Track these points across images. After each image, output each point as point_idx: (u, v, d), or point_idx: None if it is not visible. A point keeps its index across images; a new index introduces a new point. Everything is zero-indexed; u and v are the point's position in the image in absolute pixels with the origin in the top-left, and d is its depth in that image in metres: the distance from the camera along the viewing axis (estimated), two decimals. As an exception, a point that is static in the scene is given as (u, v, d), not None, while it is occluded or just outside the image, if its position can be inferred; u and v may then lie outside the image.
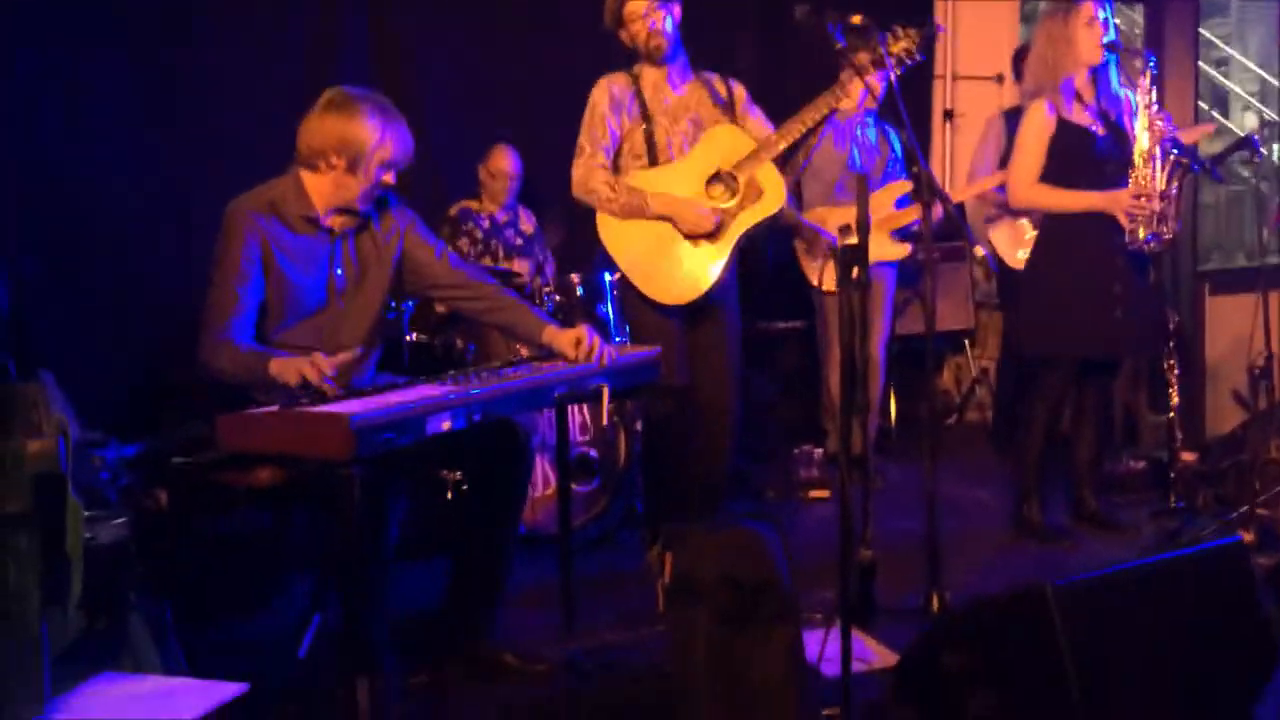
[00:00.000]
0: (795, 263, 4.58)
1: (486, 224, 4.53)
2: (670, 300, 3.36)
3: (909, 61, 3.16)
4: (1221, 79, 10.37)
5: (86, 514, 1.91)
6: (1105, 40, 3.46)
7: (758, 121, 3.51)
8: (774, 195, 3.36)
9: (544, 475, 3.73)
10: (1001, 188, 3.92)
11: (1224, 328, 5.88)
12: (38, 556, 1.69)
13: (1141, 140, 3.48)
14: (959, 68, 5.75)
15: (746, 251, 3.54)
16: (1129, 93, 3.60)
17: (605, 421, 3.12)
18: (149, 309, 3.76)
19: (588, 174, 3.37)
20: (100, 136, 3.78)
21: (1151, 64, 3.47)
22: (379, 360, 2.88)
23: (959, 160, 5.60)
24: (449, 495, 2.83)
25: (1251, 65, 10.45)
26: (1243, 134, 10.25)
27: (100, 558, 1.93)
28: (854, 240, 2.55)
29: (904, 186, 4.37)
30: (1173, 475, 4.03)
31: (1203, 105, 7.51)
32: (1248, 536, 3.47)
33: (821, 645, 2.51)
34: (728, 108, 3.49)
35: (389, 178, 2.65)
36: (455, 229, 4.47)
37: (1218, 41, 9.84)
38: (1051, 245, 3.67)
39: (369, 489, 2.21)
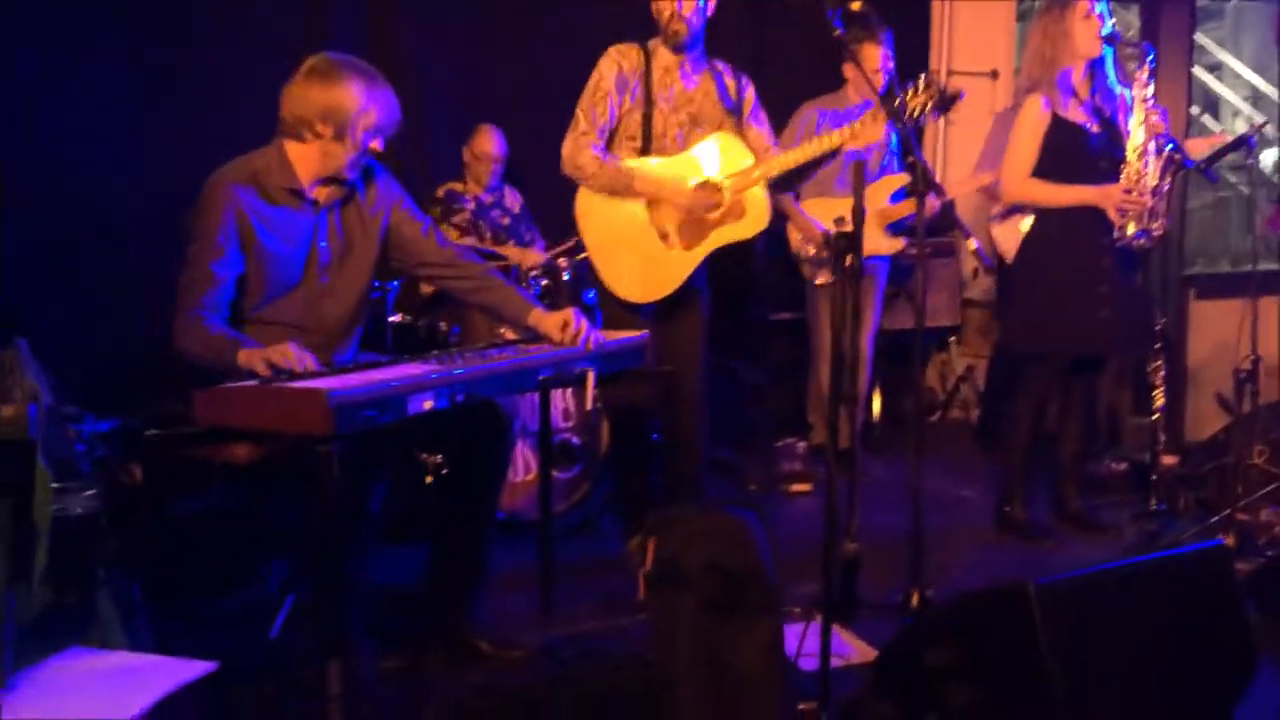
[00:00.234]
0: (788, 253, 4.55)
1: (472, 205, 4.48)
2: (624, 295, 3.34)
3: (920, 118, 3.10)
4: (1214, 84, 10.40)
5: (57, 485, 1.87)
6: (1103, 33, 3.44)
7: (761, 132, 3.47)
8: (756, 219, 3.33)
9: (525, 461, 3.70)
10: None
11: (1207, 332, 5.89)
12: (5, 526, 1.65)
13: (1136, 135, 3.46)
14: (954, 63, 5.72)
15: (739, 242, 3.50)
16: (1125, 89, 3.58)
17: (589, 406, 3.09)
18: (141, 292, 3.72)
19: (577, 149, 3.32)
20: (97, 133, 3.77)
21: (1150, 57, 3.45)
22: (361, 339, 2.84)
23: (953, 155, 5.58)
24: (428, 478, 2.80)
25: (1244, 71, 10.49)
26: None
27: (70, 530, 1.88)
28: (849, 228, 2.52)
29: (900, 180, 4.34)
30: (1154, 478, 4.02)
31: (1194, 110, 7.52)
32: (1228, 541, 3.47)
33: (801, 639, 2.48)
34: (734, 110, 3.44)
35: (377, 144, 2.60)
36: (445, 210, 4.42)
37: (1211, 46, 9.86)
38: (1041, 243, 3.66)
39: (348, 467, 2.17)
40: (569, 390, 3.74)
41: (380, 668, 2.67)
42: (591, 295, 4.02)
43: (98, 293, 3.73)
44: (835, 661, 2.51)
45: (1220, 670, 2.37)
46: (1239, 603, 2.44)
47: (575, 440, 3.79)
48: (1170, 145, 3.45)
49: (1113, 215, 3.48)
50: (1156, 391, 4.03)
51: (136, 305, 3.66)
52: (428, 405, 2.18)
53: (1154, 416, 4.08)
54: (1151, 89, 3.45)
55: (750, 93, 3.49)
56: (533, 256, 4.29)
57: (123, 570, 2.09)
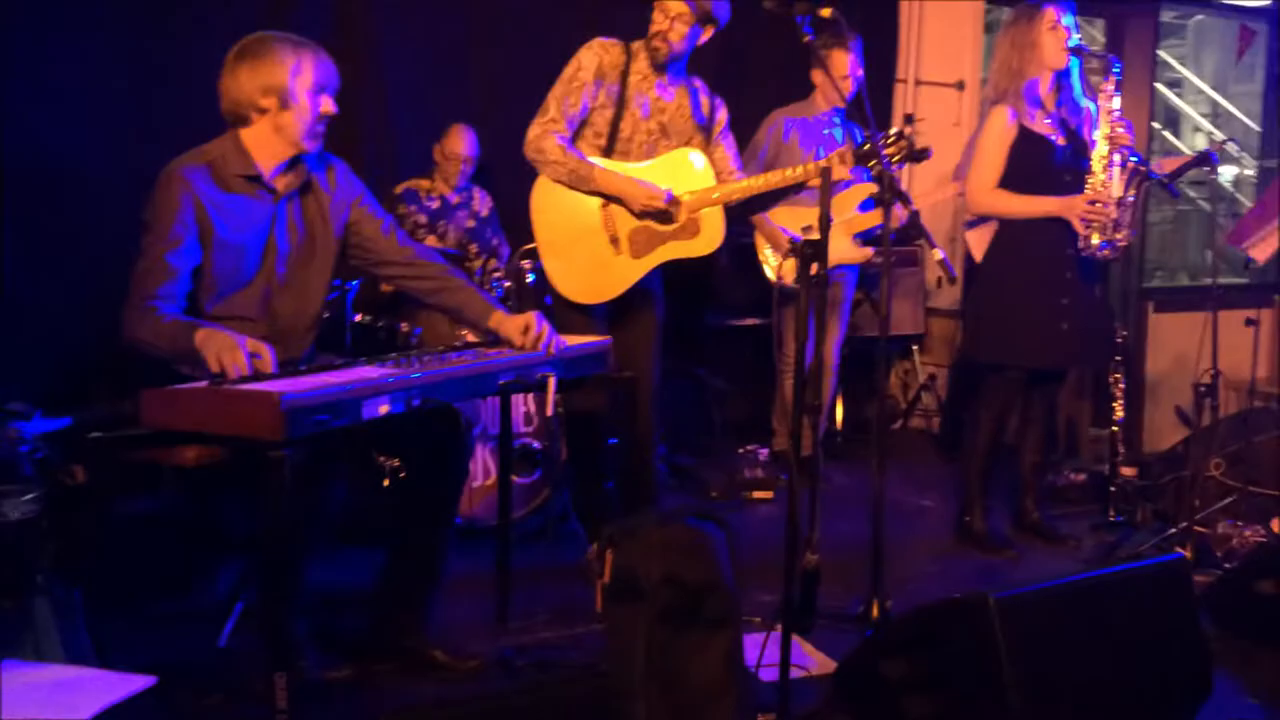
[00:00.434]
0: (752, 260, 4.53)
1: (436, 204, 4.42)
2: (565, 292, 3.32)
3: (889, 165, 3.10)
4: (1175, 99, 10.54)
5: (-5, 488, 1.80)
6: (1070, 45, 3.45)
7: (728, 155, 3.46)
8: (709, 239, 3.32)
9: (484, 465, 3.65)
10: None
11: (1165, 345, 5.95)
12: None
13: (1101, 146, 3.47)
14: (921, 73, 5.74)
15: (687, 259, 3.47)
16: (1090, 102, 3.60)
17: (550, 413, 3.06)
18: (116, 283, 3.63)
19: (543, 135, 3.29)
20: (77, 121, 3.69)
21: (1116, 70, 3.46)
22: (319, 339, 2.78)
23: (918, 166, 5.58)
24: (385, 481, 2.75)
25: (1205, 87, 10.64)
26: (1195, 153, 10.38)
27: (7, 534, 1.81)
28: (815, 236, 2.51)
29: (868, 189, 4.34)
30: (1113, 489, 4.04)
31: (1155, 125, 7.60)
32: (1186, 553, 3.48)
33: (761, 650, 2.46)
34: (704, 128, 3.43)
35: (327, 105, 2.54)
36: (401, 206, 4.36)
37: (1173, 62, 9.99)
38: (1004, 254, 3.66)
39: (299, 473, 2.11)
40: (530, 394, 3.70)
41: (330, 677, 2.61)
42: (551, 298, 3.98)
43: (78, 286, 3.63)
44: (795, 673, 2.49)
45: (1177, 684, 2.38)
46: (1196, 617, 2.45)
47: (536, 445, 3.75)
48: (1135, 158, 3.47)
49: (1077, 226, 3.49)
50: (1116, 404, 4.05)
51: (112, 297, 3.60)
52: (383, 410, 2.13)
53: (1113, 428, 4.10)
54: (1117, 101, 3.46)
55: (722, 114, 3.50)
56: (494, 262, 4.24)
57: (63, 576, 2.02)
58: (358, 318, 3.87)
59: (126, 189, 3.69)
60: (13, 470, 2.11)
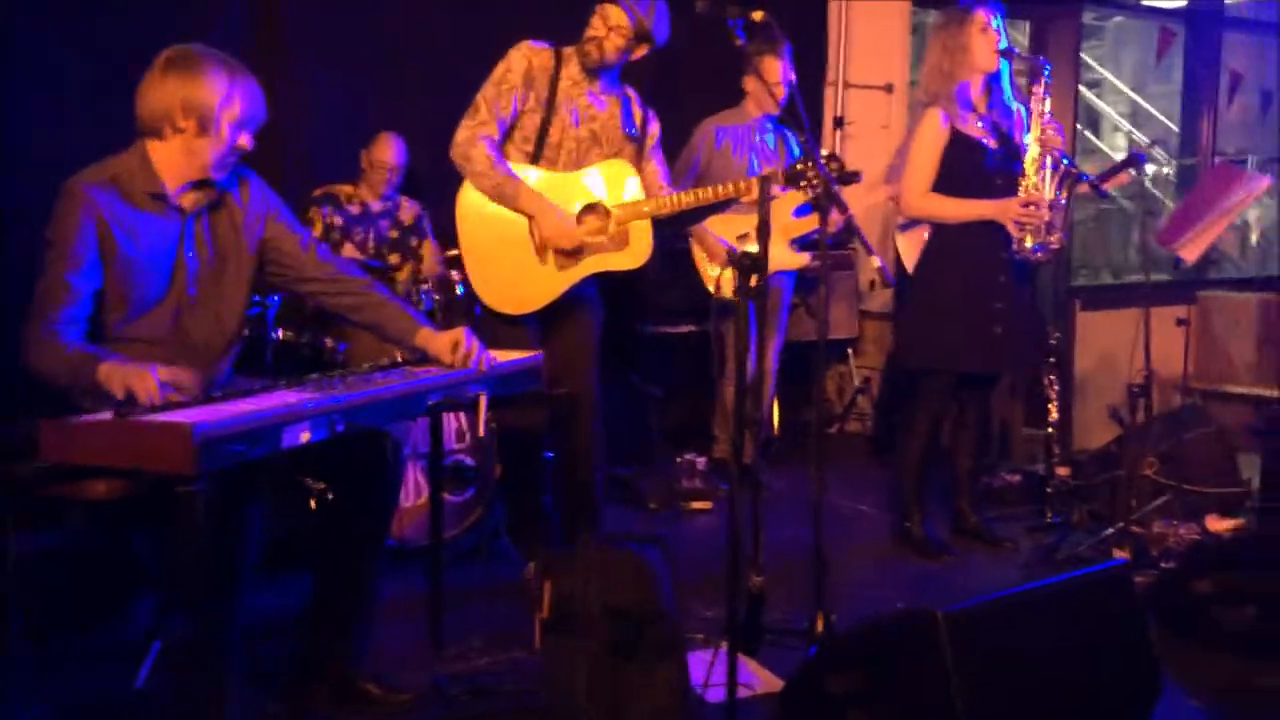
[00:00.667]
0: (687, 267, 4.47)
1: (356, 210, 4.28)
2: (489, 301, 3.26)
3: (818, 187, 3.07)
4: (1095, 100, 10.75)
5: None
6: (1000, 47, 3.45)
7: (658, 170, 3.41)
8: (638, 252, 3.28)
9: (415, 484, 3.53)
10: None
11: (1093, 344, 6.02)
12: None
13: (1033, 149, 3.48)
14: (850, 76, 5.74)
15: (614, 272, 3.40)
16: (1020, 105, 3.60)
17: (483, 433, 2.97)
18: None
19: (471, 139, 3.21)
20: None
21: (1046, 72, 3.47)
22: (240, 358, 2.65)
23: (849, 167, 5.57)
24: (312, 503, 2.63)
25: (1124, 88, 10.86)
26: (1119, 155, 10.61)
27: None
28: (753, 247, 2.48)
29: (803, 195, 4.30)
30: (1049, 490, 4.06)
31: (1077, 126, 7.71)
32: (1122, 553, 3.50)
33: (707, 671, 2.39)
34: (635, 139, 3.37)
35: (244, 140, 2.43)
36: (313, 210, 4.22)
37: (1092, 63, 10.18)
38: (937, 257, 3.65)
39: (215, 505, 2.00)
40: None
41: (257, 713, 2.48)
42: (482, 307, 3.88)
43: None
44: (742, 692, 2.43)
45: (1128, 691, 2.37)
46: (1143, 623, 2.45)
47: (468, 461, 3.64)
48: (1066, 160, 3.48)
49: (1011, 229, 3.49)
50: (1050, 405, 4.07)
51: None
52: (304, 437, 2.02)
53: (1048, 430, 4.11)
54: (1048, 104, 3.47)
55: (655, 127, 3.44)
56: (427, 266, 4.11)
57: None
58: (280, 335, 3.72)
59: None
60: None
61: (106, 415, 1.94)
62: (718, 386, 4.52)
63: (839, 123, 5.63)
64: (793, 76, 4.23)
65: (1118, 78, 10.70)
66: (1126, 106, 10.81)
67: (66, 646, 2.75)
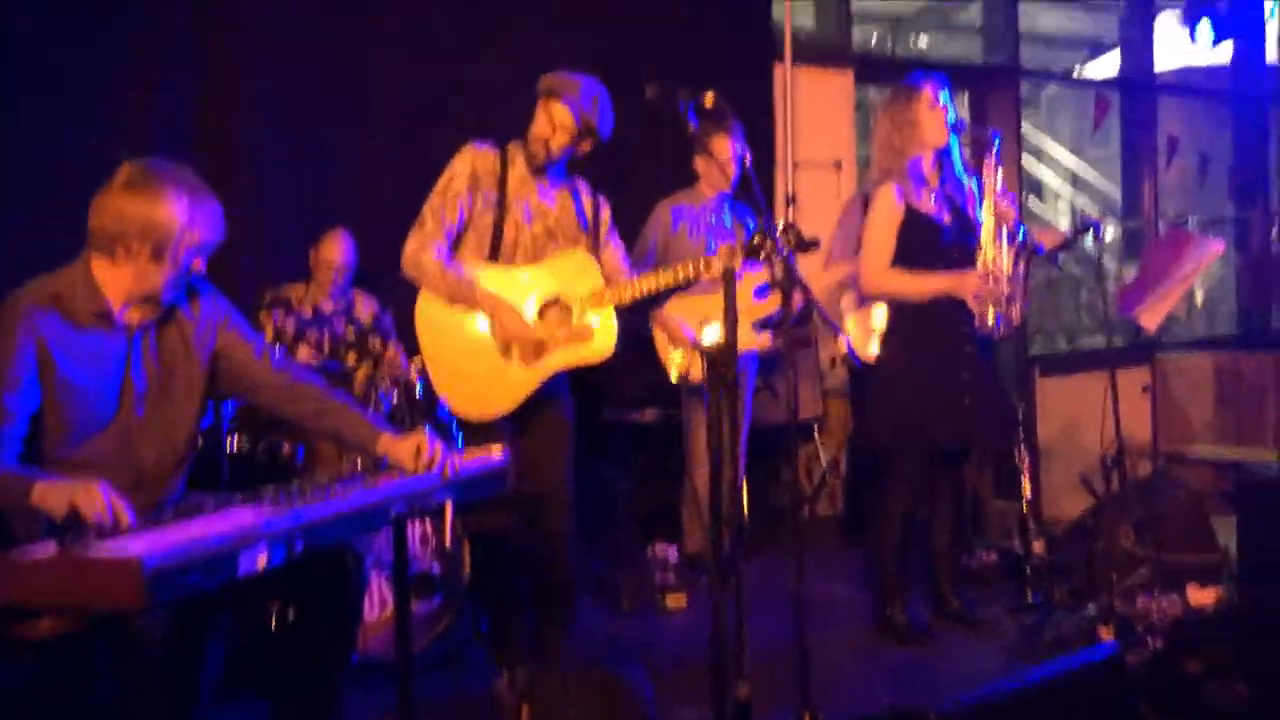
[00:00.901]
0: (649, 352, 4.41)
1: (308, 313, 4.19)
2: (457, 410, 3.20)
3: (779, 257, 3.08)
4: (1035, 167, 10.98)
5: None
6: (949, 121, 3.47)
7: (615, 253, 3.39)
8: (602, 344, 3.23)
9: (381, 595, 3.39)
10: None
11: (1055, 410, 6.03)
12: None
13: (988, 222, 3.48)
14: (798, 154, 5.78)
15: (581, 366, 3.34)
16: (971, 178, 3.61)
17: (450, 543, 2.85)
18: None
19: (420, 249, 3.17)
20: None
21: (996, 144, 3.49)
22: (194, 470, 2.53)
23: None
24: (273, 625, 2.50)
25: (1063, 155, 11.11)
26: (1061, 220, 10.79)
27: None
28: (715, 332, 2.43)
29: (762, 276, 4.27)
30: (1029, 570, 3.99)
31: (1022, 195, 7.85)
32: (1107, 632, 3.43)
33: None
34: (589, 229, 3.35)
35: (199, 264, 2.35)
36: (263, 314, 4.12)
37: (1031, 132, 10.42)
38: (901, 334, 3.62)
39: (169, 640, 1.87)
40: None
41: None
42: (445, 410, 3.79)
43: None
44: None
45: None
46: (1138, 709, 2.37)
47: (435, 568, 3.51)
48: (1021, 232, 3.48)
49: (971, 304, 3.47)
50: (1023, 478, 4.02)
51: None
52: (261, 562, 1.91)
53: (1021, 504, 4.06)
54: (1000, 176, 3.48)
55: (606, 213, 3.43)
56: (386, 364, 4.01)
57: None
58: (235, 444, 3.60)
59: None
60: None
61: (49, 549, 1.81)
62: (687, 475, 4.43)
63: (791, 200, 5.66)
64: (746, 153, 4.24)
65: (1056, 145, 10.96)
66: (1066, 173, 11.06)
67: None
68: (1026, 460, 4.06)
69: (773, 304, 4.29)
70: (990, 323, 3.48)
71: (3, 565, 1.80)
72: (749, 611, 3.36)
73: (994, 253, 3.46)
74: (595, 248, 3.33)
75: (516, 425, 3.23)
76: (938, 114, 3.48)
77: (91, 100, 3.89)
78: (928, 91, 3.48)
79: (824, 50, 6.12)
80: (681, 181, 4.49)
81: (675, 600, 4.15)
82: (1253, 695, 2.73)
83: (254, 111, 4.24)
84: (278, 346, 4.00)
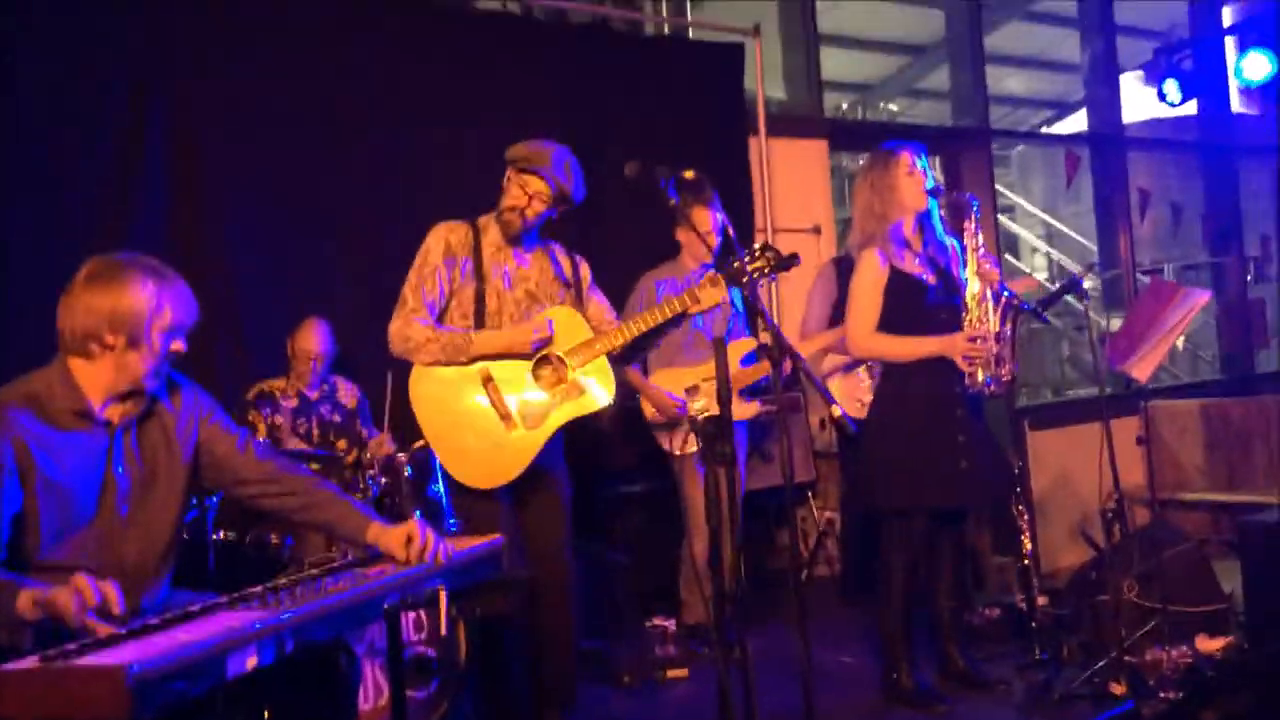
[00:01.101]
0: (638, 424, 4.38)
1: (293, 402, 4.15)
2: (471, 482, 3.15)
3: (758, 279, 3.12)
4: (1011, 225, 11.10)
5: None
6: (926, 187, 3.49)
7: (601, 306, 3.41)
8: (602, 393, 3.22)
9: (375, 684, 3.30)
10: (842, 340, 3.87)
11: (1046, 462, 6.01)
12: None
13: (972, 284, 3.48)
14: (777, 221, 5.83)
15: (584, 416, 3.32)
16: (953, 239, 3.62)
17: (444, 630, 2.79)
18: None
19: (405, 324, 3.17)
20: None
21: (974, 207, 3.50)
22: (180, 566, 2.47)
23: (785, 312, 5.62)
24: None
25: (1036, 211, 11.25)
26: (1039, 275, 10.88)
27: None
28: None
29: (749, 344, 4.29)
30: (1034, 625, 3.92)
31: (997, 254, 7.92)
32: (1118, 687, 3.37)
33: None
34: (569, 285, 3.36)
35: (178, 345, 2.32)
36: (252, 413, 4.07)
37: (1004, 190, 10.56)
38: (893, 396, 3.60)
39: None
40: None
41: None
42: (434, 490, 3.75)
43: None
44: None
45: None
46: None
47: (430, 653, 3.42)
48: (1006, 292, 3.48)
49: (961, 365, 3.46)
50: (1023, 535, 3.97)
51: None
52: (251, 664, 1.84)
53: (1024, 561, 4.01)
54: (981, 238, 3.50)
55: (586, 270, 3.45)
56: (372, 452, 3.96)
57: None
58: (220, 536, 3.53)
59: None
60: None
61: (30, 662, 1.75)
62: (683, 546, 4.37)
63: (773, 267, 5.66)
64: (726, 222, 4.26)
65: (1029, 203, 11.10)
66: (1041, 229, 11.19)
67: None
68: (1025, 516, 4.01)
69: (759, 371, 4.30)
70: (980, 382, 3.46)
71: (-19, 678, 1.73)
72: (757, 683, 3.31)
73: (980, 313, 3.46)
74: (579, 304, 3.34)
75: (514, 501, 3.18)
76: (916, 179, 3.50)
77: (66, 201, 3.88)
78: (905, 157, 3.51)
79: (797, 119, 6.20)
80: (662, 252, 4.50)
81: (676, 673, 4.06)
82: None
83: (225, 208, 4.24)
84: (267, 441, 3.94)
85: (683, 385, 4.23)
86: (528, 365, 3.19)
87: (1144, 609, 3.71)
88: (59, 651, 1.77)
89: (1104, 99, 7.62)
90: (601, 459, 4.81)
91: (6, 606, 1.96)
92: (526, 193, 3.21)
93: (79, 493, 2.25)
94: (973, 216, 3.50)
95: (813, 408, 5.65)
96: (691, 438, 4.18)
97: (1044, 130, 11.21)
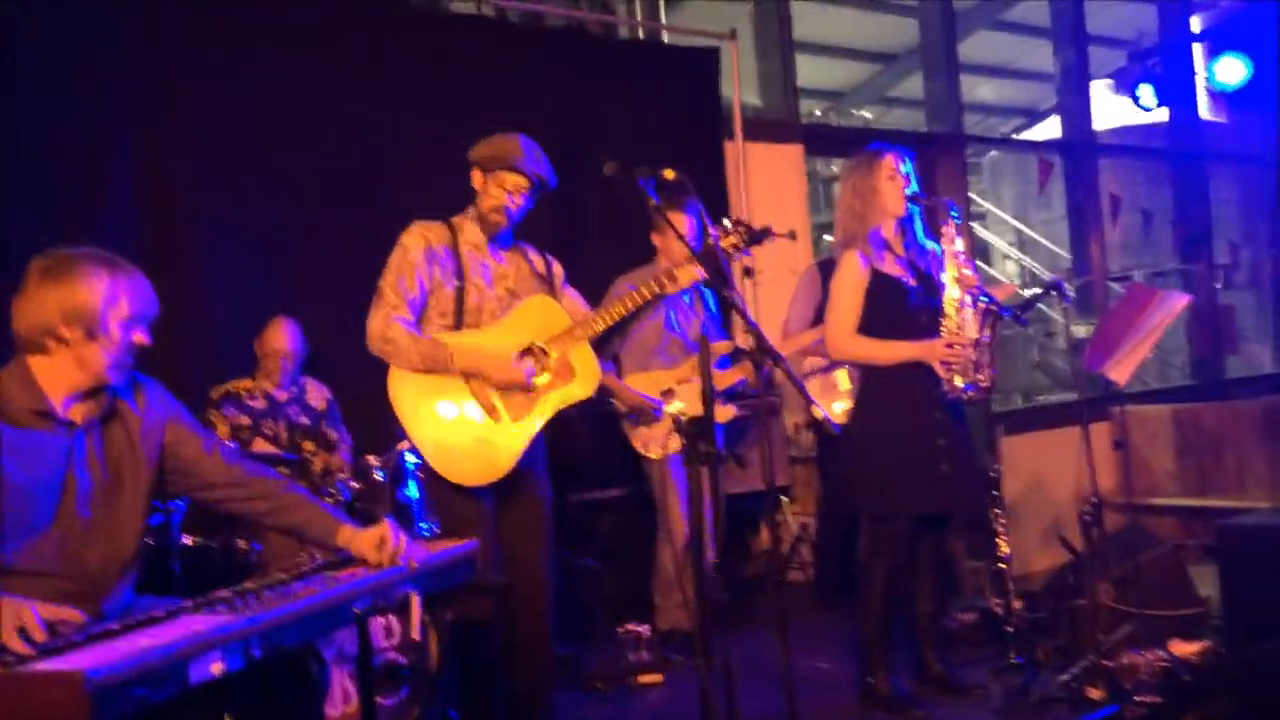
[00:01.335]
0: (610, 428, 4.33)
1: (260, 404, 4.07)
2: (461, 480, 3.07)
3: (734, 255, 3.09)
4: (982, 231, 11.16)
5: None
6: (908, 191, 3.47)
7: (575, 301, 3.37)
8: (587, 379, 3.17)
9: (344, 691, 3.23)
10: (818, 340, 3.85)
11: (1019, 468, 6.01)
12: None
13: (951, 289, 3.46)
14: (753, 225, 5.78)
15: (559, 416, 3.28)
16: (933, 243, 3.61)
17: (417, 635, 2.72)
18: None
19: (386, 324, 3.08)
20: None
21: (954, 213, 3.49)
22: (145, 571, 2.40)
23: (763, 317, 5.59)
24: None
25: (1008, 218, 11.32)
26: (1012, 281, 10.93)
27: None
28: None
29: (724, 347, 4.26)
30: (1011, 630, 3.90)
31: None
32: (1096, 692, 3.36)
33: None
34: (545, 281, 3.32)
35: (140, 337, 2.25)
36: (214, 413, 4.00)
37: (976, 198, 10.62)
38: (873, 400, 3.57)
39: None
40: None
41: None
42: (407, 495, 3.68)
43: None
44: None
45: None
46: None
47: (400, 660, 3.36)
48: (985, 297, 3.46)
49: (939, 370, 3.43)
50: (1000, 539, 3.96)
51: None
52: (216, 669, 1.78)
53: (1000, 565, 3.99)
54: (960, 243, 3.48)
55: (558, 268, 3.42)
56: (336, 460, 3.91)
57: None
58: (187, 541, 3.45)
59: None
60: None
61: (-16, 669, 1.68)
62: (657, 550, 4.32)
63: (749, 273, 5.63)
64: (708, 224, 4.23)
65: (1000, 209, 11.18)
66: (1012, 235, 11.26)
67: None
68: (1002, 520, 3.99)
69: (736, 375, 4.28)
70: (959, 388, 3.44)
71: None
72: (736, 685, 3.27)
73: (958, 319, 3.44)
74: (554, 297, 3.30)
75: (497, 504, 3.13)
76: (898, 183, 3.48)
77: (32, 197, 3.80)
78: (888, 161, 3.49)
79: (773, 124, 6.19)
80: (641, 260, 4.45)
81: (650, 679, 4.01)
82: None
83: (194, 205, 4.17)
84: (233, 443, 3.87)
85: (658, 388, 4.20)
86: (512, 359, 3.13)
87: (1120, 613, 3.70)
88: (15, 657, 1.70)
89: (1076, 106, 7.67)
90: (575, 463, 4.75)
91: None
92: (505, 190, 3.17)
93: (39, 495, 2.18)
94: (951, 222, 3.48)
95: (788, 412, 5.64)
96: (666, 441, 4.14)
97: (1015, 138, 11.29)
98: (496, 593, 2.92)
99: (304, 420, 4.15)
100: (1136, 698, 3.28)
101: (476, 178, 3.22)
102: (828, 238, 10.44)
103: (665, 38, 6.22)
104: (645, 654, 4.12)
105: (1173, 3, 7.97)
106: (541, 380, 3.12)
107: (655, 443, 4.18)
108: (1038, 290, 3.93)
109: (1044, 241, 10.73)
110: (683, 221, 4.17)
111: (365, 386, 3.37)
